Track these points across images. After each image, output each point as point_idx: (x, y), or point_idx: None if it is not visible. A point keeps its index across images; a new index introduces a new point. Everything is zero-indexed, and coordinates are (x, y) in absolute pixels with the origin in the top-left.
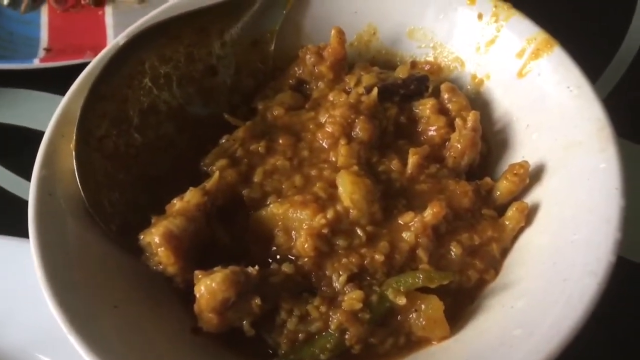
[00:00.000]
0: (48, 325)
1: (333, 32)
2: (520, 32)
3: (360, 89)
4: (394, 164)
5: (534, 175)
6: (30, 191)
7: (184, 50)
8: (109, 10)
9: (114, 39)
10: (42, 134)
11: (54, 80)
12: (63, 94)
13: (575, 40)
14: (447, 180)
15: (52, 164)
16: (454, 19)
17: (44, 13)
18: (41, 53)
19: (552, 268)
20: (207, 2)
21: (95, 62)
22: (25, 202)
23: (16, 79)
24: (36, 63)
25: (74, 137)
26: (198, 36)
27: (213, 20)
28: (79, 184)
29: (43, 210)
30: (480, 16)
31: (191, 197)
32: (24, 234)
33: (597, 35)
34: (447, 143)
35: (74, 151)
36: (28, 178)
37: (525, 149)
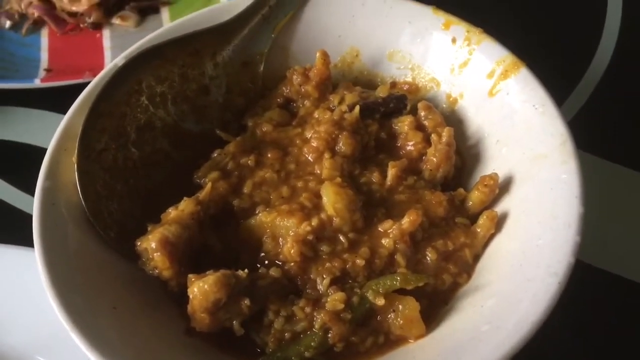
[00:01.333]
0: (48, 329)
1: (318, 54)
2: (491, 54)
3: (344, 107)
4: (375, 176)
5: (504, 186)
6: (34, 201)
7: (178, 71)
8: (106, 34)
9: (112, 61)
10: (42, 150)
11: (53, 99)
12: (62, 112)
13: (545, 63)
14: (424, 191)
15: (55, 176)
16: (430, 43)
17: (44, 36)
18: (41, 73)
19: (519, 270)
20: (200, 26)
21: (95, 82)
22: (27, 215)
23: (16, 98)
24: (37, 83)
25: (76, 151)
26: (192, 58)
27: (205, 44)
28: (80, 194)
29: (46, 218)
30: (454, 40)
31: (185, 206)
32: (26, 244)
33: (566, 58)
34: (423, 157)
35: (75, 164)
36: (29, 192)
37: (495, 162)
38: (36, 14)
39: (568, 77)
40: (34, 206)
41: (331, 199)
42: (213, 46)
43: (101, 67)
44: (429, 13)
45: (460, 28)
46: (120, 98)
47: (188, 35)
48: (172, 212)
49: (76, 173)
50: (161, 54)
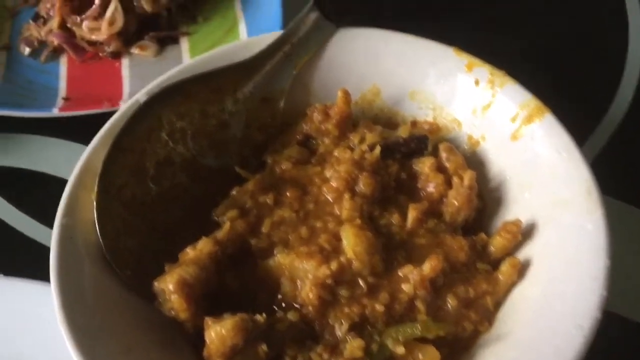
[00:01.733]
0: None
1: (340, 93)
2: (514, 98)
3: (364, 147)
4: (395, 218)
5: (526, 232)
6: (52, 238)
7: (198, 108)
8: (125, 63)
9: (130, 90)
10: (58, 179)
11: (70, 128)
12: (79, 141)
13: (566, 103)
14: (445, 235)
15: (74, 213)
16: (453, 84)
17: (63, 63)
18: (59, 102)
19: (542, 320)
20: (221, 62)
21: (116, 117)
22: (41, 245)
23: (33, 125)
24: (55, 112)
25: (96, 188)
26: (213, 94)
27: (227, 80)
28: (98, 232)
29: (64, 256)
30: (477, 82)
31: (203, 246)
32: (41, 277)
33: (586, 99)
34: (444, 199)
35: (95, 201)
36: (43, 221)
37: (517, 207)
38: (56, 42)
39: (588, 119)
40: (52, 244)
41: (351, 242)
42: (234, 83)
43: (119, 97)
44: (451, 54)
45: (483, 70)
46: (141, 134)
47: (210, 72)
48: (190, 252)
49: (95, 211)
50: (183, 91)
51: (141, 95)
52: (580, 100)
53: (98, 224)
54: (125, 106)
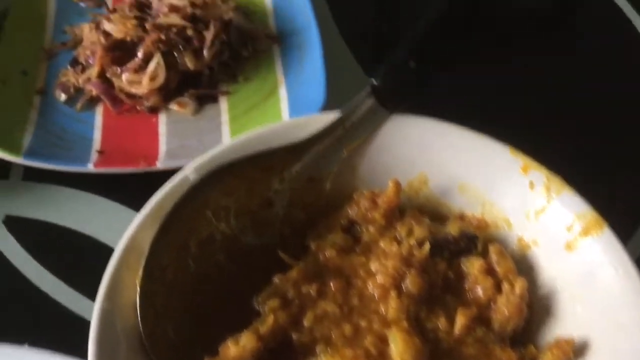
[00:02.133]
0: None
1: (390, 184)
2: (571, 207)
3: (412, 241)
4: (441, 322)
5: (577, 350)
6: (92, 323)
7: (245, 187)
8: (162, 119)
9: (166, 148)
10: (87, 237)
11: (102, 183)
12: (109, 197)
13: (607, 200)
14: (494, 346)
15: (115, 295)
16: (507, 184)
17: (99, 113)
18: (94, 155)
19: None
20: (271, 140)
21: (164, 194)
22: (72, 314)
23: (63, 176)
24: (91, 167)
25: (141, 273)
26: (260, 174)
27: (276, 161)
28: (139, 319)
29: (103, 344)
30: (531, 185)
31: (247, 342)
32: (74, 351)
33: (626, 198)
34: (492, 304)
35: (138, 287)
36: (72, 284)
37: (568, 320)
38: (94, 92)
39: (629, 214)
40: (92, 330)
41: (399, 348)
42: (283, 163)
43: (155, 156)
44: (507, 153)
45: (539, 174)
46: (188, 216)
47: (261, 152)
48: (231, 348)
49: (138, 298)
50: (232, 171)
51: (190, 172)
52: (620, 199)
53: (140, 312)
54: (173, 182)
